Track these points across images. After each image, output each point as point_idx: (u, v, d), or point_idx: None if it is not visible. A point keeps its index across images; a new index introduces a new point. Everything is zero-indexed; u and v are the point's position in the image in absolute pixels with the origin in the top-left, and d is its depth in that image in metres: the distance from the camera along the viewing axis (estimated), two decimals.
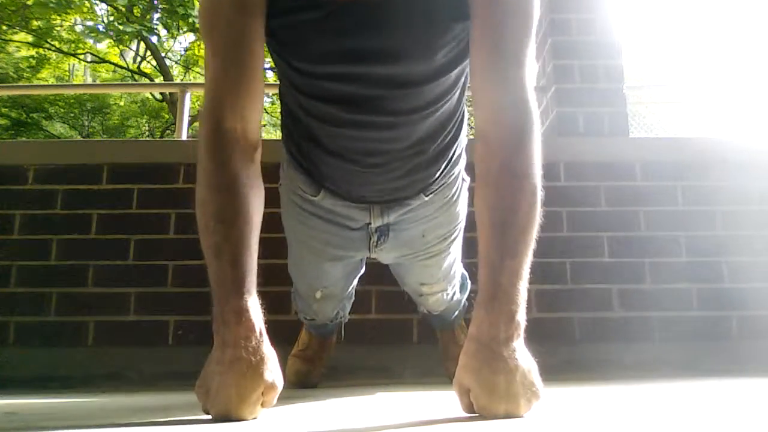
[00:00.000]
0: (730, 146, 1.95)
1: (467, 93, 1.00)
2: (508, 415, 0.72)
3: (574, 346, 1.71)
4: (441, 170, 1.09)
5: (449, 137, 1.06)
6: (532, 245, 0.81)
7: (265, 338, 0.79)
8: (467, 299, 1.48)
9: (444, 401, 1.07)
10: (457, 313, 1.47)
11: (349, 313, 1.46)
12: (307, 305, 1.33)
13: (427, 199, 1.11)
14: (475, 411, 0.75)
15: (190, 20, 8.54)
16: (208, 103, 0.85)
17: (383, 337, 1.75)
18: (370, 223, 1.13)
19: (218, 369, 0.76)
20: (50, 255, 1.82)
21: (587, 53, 2.04)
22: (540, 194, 0.83)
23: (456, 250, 1.27)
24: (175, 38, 11.18)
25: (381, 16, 0.85)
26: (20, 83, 10.12)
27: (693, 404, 0.92)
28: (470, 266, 1.31)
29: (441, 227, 1.18)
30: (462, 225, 1.24)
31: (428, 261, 1.23)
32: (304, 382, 1.45)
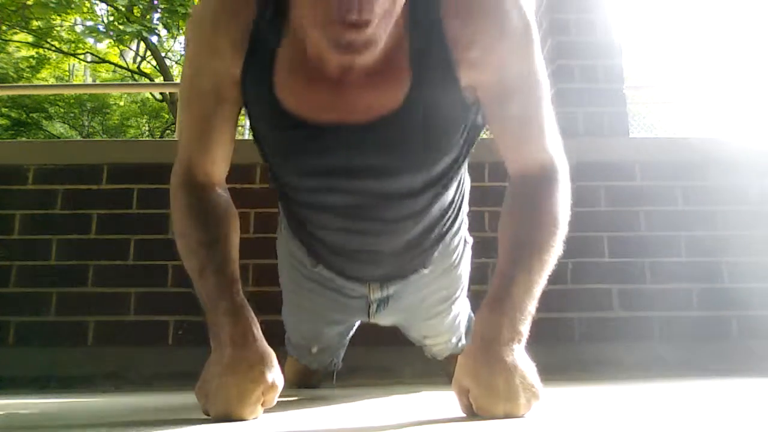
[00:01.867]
0: (730, 146, 1.95)
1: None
2: (507, 416, 0.72)
3: (574, 346, 1.71)
4: (440, 248, 1.09)
5: (447, 223, 1.07)
6: (546, 271, 0.82)
7: (261, 338, 0.79)
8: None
9: (444, 401, 1.07)
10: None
11: None
12: (301, 354, 1.34)
13: (426, 271, 1.11)
14: (474, 411, 0.74)
15: None
16: (182, 160, 0.91)
17: (383, 337, 1.74)
18: (368, 295, 1.13)
19: (217, 370, 0.76)
20: (50, 255, 1.82)
21: (587, 53, 2.04)
22: (562, 233, 0.84)
23: (459, 307, 1.25)
24: (175, 38, 11.18)
25: (373, 137, 0.84)
26: (20, 83, 10.12)
27: (693, 404, 0.92)
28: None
29: (441, 291, 1.17)
30: (465, 285, 1.23)
31: (430, 321, 1.23)
32: (304, 382, 1.44)
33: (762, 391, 1.10)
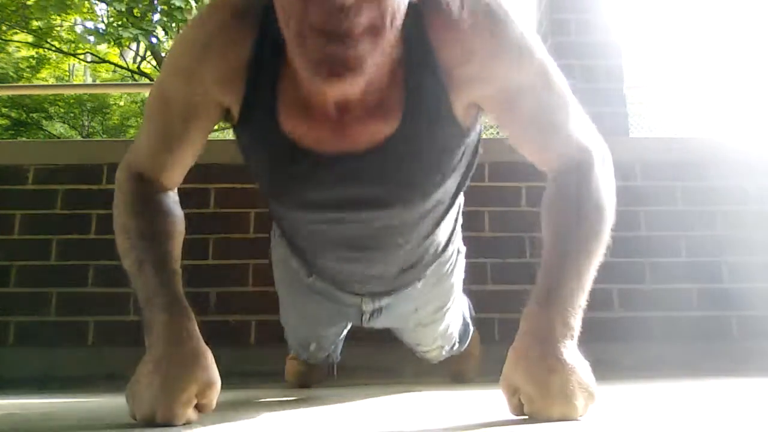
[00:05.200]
0: (730, 146, 1.95)
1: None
2: (563, 418, 0.68)
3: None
4: (435, 265, 1.09)
5: (444, 242, 1.06)
6: (595, 261, 0.79)
7: (198, 336, 0.75)
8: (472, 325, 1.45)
9: (444, 401, 1.07)
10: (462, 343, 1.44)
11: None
12: (301, 350, 1.34)
13: (420, 285, 1.10)
14: (526, 412, 0.70)
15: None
16: (134, 164, 0.88)
17: (383, 337, 1.74)
18: (361, 306, 1.13)
19: (145, 369, 0.72)
20: (50, 255, 1.82)
21: (587, 53, 2.04)
22: (608, 219, 0.81)
23: (451, 316, 1.25)
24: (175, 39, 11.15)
25: (370, 167, 0.81)
26: (20, 83, 10.11)
27: (693, 404, 0.92)
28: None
29: (434, 302, 1.17)
30: (457, 294, 1.22)
31: (423, 329, 1.23)
32: (303, 382, 1.44)
33: (762, 391, 1.10)
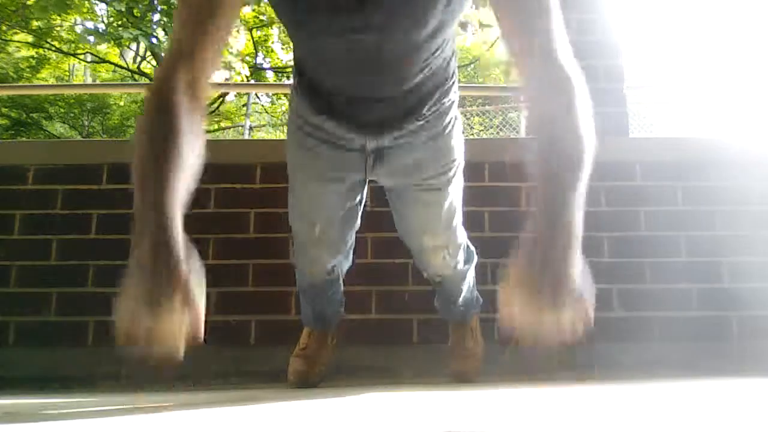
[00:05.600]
0: (730, 146, 1.95)
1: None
2: (552, 328, 0.70)
3: (574, 346, 1.71)
4: (433, 102, 1.13)
5: (441, 77, 1.11)
6: (583, 185, 0.83)
7: (184, 256, 0.74)
8: (479, 297, 1.49)
9: (443, 402, 1.07)
10: (467, 299, 1.48)
11: (350, 313, 1.46)
12: (305, 255, 1.36)
13: (419, 124, 1.14)
14: (516, 324, 0.71)
15: None
16: (170, 59, 0.86)
17: (383, 337, 1.75)
18: (365, 145, 1.17)
19: (130, 281, 0.71)
20: (50, 255, 1.82)
21: (587, 53, 2.04)
22: (590, 143, 0.86)
23: (455, 195, 1.29)
24: None
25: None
26: (20, 83, 10.11)
27: (693, 404, 0.92)
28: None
29: (435, 159, 1.21)
30: (459, 165, 1.26)
31: (427, 197, 1.26)
32: (304, 381, 1.44)
33: (762, 391, 1.10)
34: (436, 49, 1.03)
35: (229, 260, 1.80)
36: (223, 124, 11.05)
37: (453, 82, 1.17)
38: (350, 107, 1.11)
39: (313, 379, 1.46)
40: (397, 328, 1.77)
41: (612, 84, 2.03)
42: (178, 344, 0.70)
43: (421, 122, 1.14)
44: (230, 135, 10.32)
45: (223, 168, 1.84)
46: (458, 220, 1.35)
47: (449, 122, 1.20)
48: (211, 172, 1.79)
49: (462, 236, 1.38)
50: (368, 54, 0.98)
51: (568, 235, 0.75)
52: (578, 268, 0.74)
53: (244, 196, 1.84)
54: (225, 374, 1.63)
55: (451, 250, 1.35)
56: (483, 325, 1.57)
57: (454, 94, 1.19)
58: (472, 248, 1.47)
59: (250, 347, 1.71)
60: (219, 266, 1.79)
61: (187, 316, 0.71)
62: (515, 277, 0.73)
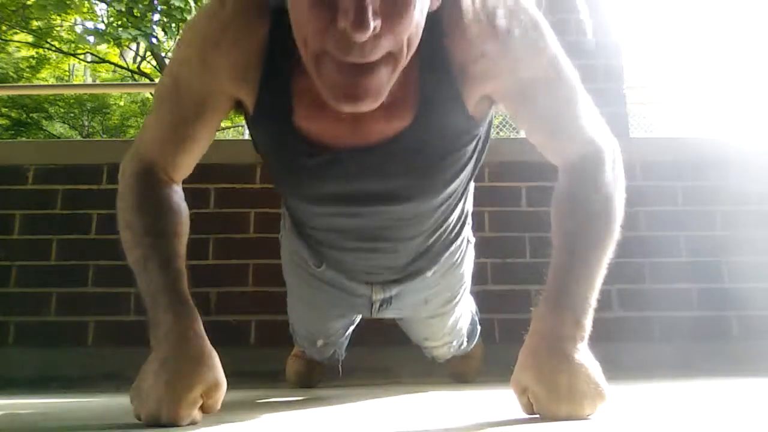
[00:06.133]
0: (730, 146, 1.95)
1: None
2: (570, 417, 0.68)
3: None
4: (446, 254, 1.09)
5: (455, 230, 1.07)
6: (605, 260, 0.79)
7: (204, 336, 0.74)
8: (478, 325, 1.46)
9: (444, 402, 1.07)
10: (469, 341, 1.43)
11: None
12: (308, 346, 1.34)
13: (430, 273, 1.09)
14: (535, 411, 0.71)
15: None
16: (143, 156, 0.85)
17: (383, 337, 1.74)
18: (371, 296, 1.12)
19: (151, 368, 0.72)
20: (50, 255, 1.82)
21: (587, 53, 2.04)
22: (617, 216, 0.83)
23: (461, 309, 1.25)
24: (175, 39, 11.16)
25: (386, 161, 0.82)
26: (20, 83, 10.11)
27: (693, 404, 0.92)
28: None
29: (444, 292, 1.16)
30: (467, 285, 1.22)
31: (431, 320, 1.23)
32: (304, 382, 1.44)
33: (762, 391, 1.10)
34: (452, 210, 0.97)
35: (229, 260, 1.80)
36: (222, 124, 11.05)
37: (467, 221, 1.12)
38: (353, 272, 1.07)
39: (313, 379, 1.46)
40: (397, 328, 1.76)
41: (611, 84, 2.03)
42: (194, 422, 0.71)
43: (432, 270, 1.09)
44: (230, 135, 10.31)
45: (223, 168, 1.84)
46: (464, 319, 1.30)
47: (460, 255, 1.14)
48: (210, 172, 1.80)
49: (466, 317, 1.32)
50: (369, 224, 0.93)
51: (575, 322, 0.74)
52: (586, 355, 0.73)
53: (244, 196, 1.84)
54: (225, 374, 1.62)
55: (453, 344, 1.33)
56: (483, 326, 1.57)
57: (467, 227, 1.14)
58: (477, 317, 1.42)
59: (250, 347, 1.71)
60: (219, 266, 1.79)
61: (208, 401, 0.72)
62: (528, 367, 0.72)
